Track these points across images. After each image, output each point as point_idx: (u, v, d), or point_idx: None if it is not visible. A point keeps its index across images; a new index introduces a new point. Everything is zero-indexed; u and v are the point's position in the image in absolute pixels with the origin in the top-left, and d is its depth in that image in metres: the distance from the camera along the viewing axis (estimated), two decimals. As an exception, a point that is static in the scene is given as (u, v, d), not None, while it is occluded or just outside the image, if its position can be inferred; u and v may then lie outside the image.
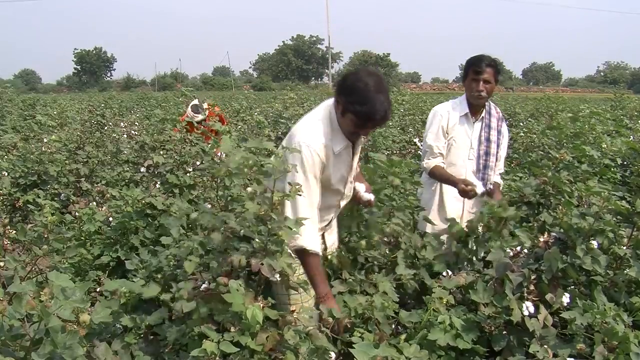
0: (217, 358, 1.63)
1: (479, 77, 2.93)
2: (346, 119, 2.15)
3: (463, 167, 3.06)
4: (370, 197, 2.50)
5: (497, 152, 3.08)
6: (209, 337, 1.66)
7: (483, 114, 3.08)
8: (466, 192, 2.79)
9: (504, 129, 3.18)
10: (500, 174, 3.18)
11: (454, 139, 3.05)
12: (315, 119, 2.24)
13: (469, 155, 3.07)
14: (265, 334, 1.71)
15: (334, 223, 2.48)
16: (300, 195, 1.90)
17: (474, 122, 3.07)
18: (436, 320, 2.08)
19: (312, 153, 2.12)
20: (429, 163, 3.05)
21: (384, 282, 2.30)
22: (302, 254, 2.12)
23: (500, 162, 3.17)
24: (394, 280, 2.45)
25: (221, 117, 5.83)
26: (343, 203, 2.41)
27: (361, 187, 2.50)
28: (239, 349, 1.67)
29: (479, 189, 2.80)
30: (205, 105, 5.85)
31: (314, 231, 2.14)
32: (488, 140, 3.06)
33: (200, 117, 5.68)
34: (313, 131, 2.18)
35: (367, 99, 2.07)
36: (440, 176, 3.01)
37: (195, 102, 5.91)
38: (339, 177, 2.27)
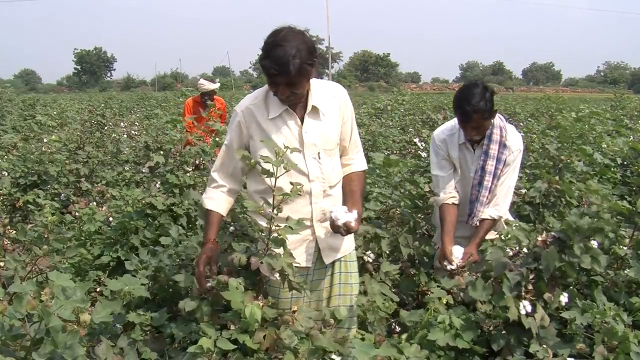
0: (214, 355, 1.64)
1: (466, 125, 2.57)
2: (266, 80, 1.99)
3: (465, 198, 2.72)
4: (348, 218, 1.95)
5: (491, 184, 2.64)
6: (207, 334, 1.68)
7: (484, 141, 2.66)
8: (440, 263, 2.56)
9: (509, 155, 2.64)
10: (496, 208, 2.66)
11: (459, 170, 2.74)
12: None
13: (471, 184, 2.70)
14: (263, 333, 1.71)
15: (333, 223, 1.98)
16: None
17: (474, 150, 2.70)
18: (436, 320, 2.08)
19: (234, 115, 2.10)
20: (437, 199, 2.74)
21: (383, 283, 2.31)
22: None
23: (498, 195, 2.67)
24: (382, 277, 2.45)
25: (224, 105, 5.93)
26: (316, 187, 2.05)
27: (339, 210, 1.99)
28: (236, 347, 1.68)
29: (450, 266, 2.51)
30: (217, 81, 5.96)
31: (211, 190, 2.16)
32: (483, 169, 2.64)
33: (215, 85, 5.77)
34: (246, 98, 2.13)
35: (268, 51, 1.88)
36: (441, 220, 2.70)
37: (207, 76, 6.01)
38: (285, 145, 1.95)
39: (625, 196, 4.07)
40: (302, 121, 2.04)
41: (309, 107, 2.04)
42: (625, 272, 2.44)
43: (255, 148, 2.03)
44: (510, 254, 2.23)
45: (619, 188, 4.22)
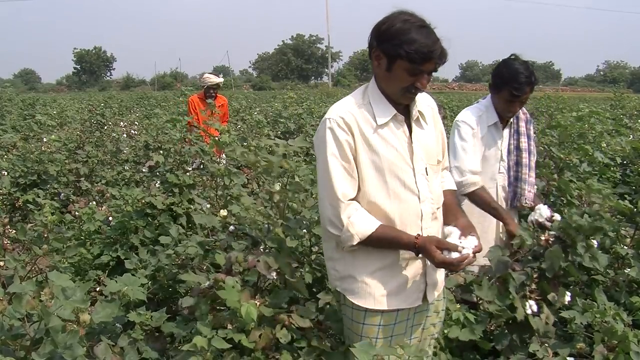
0: (209, 354, 1.64)
1: (517, 100, 2.50)
2: (395, 72, 1.62)
3: (493, 183, 2.65)
4: (473, 243, 1.63)
5: (529, 161, 2.63)
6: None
7: (511, 119, 2.65)
8: (512, 236, 2.32)
9: (531, 129, 2.71)
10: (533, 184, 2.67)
11: (484, 152, 2.63)
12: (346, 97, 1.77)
13: (499, 168, 2.65)
14: (259, 332, 1.71)
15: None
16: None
17: (502, 130, 2.65)
18: (449, 317, 2.08)
19: (327, 123, 1.66)
20: (467, 182, 2.50)
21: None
22: (370, 242, 1.63)
23: (533, 172, 2.67)
24: None
25: (225, 102, 6.23)
26: (426, 209, 1.71)
27: (453, 232, 1.68)
28: (231, 346, 1.68)
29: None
30: (221, 75, 6.16)
31: (353, 212, 1.63)
32: (518, 148, 2.63)
33: (221, 79, 5.96)
34: (339, 104, 1.72)
35: (415, 31, 1.58)
36: (482, 202, 2.51)
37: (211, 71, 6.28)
38: (394, 159, 1.66)
39: (625, 195, 4.07)
40: (409, 130, 1.71)
41: (414, 113, 1.72)
42: (627, 271, 2.44)
43: (362, 163, 1.66)
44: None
45: (620, 187, 4.22)
